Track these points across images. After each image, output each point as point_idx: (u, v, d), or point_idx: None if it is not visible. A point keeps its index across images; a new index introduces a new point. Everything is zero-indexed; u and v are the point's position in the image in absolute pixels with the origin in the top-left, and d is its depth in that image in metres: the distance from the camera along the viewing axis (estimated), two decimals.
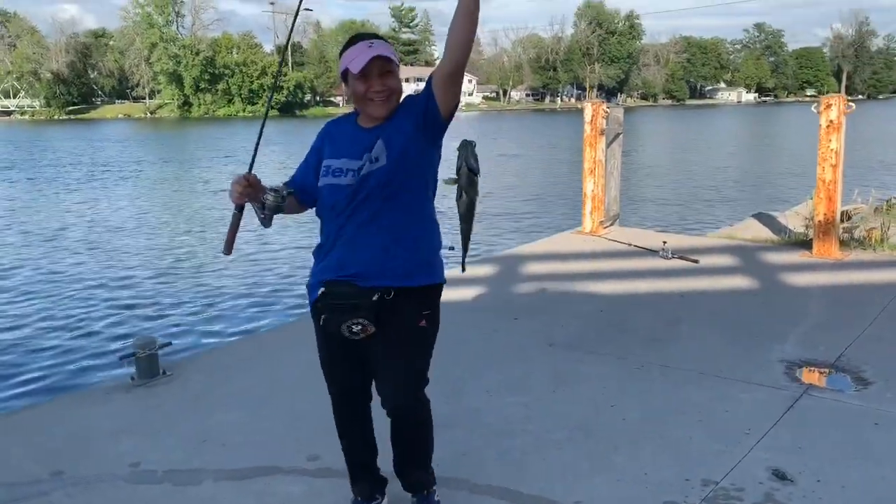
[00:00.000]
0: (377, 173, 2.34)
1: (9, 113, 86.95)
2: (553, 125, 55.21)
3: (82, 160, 29.50)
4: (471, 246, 2.54)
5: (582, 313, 5.28)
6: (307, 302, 2.57)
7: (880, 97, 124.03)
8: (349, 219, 2.38)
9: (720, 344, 4.62)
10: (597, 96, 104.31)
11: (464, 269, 2.63)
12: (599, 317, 5.23)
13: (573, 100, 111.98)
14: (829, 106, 6.54)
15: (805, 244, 7.03)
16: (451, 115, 2.37)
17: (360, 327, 2.33)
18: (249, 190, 2.38)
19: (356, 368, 2.54)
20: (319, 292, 2.40)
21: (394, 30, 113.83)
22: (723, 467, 3.10)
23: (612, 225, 8.15)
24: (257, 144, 2.57)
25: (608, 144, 7.91)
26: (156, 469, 3.22)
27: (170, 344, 4.55)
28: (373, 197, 2.34)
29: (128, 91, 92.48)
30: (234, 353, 4.94)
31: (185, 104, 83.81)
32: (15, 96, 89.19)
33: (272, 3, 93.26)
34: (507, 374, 4.18)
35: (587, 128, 7.77)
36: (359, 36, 2.43)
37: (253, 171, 2.43)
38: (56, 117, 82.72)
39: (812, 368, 4.22)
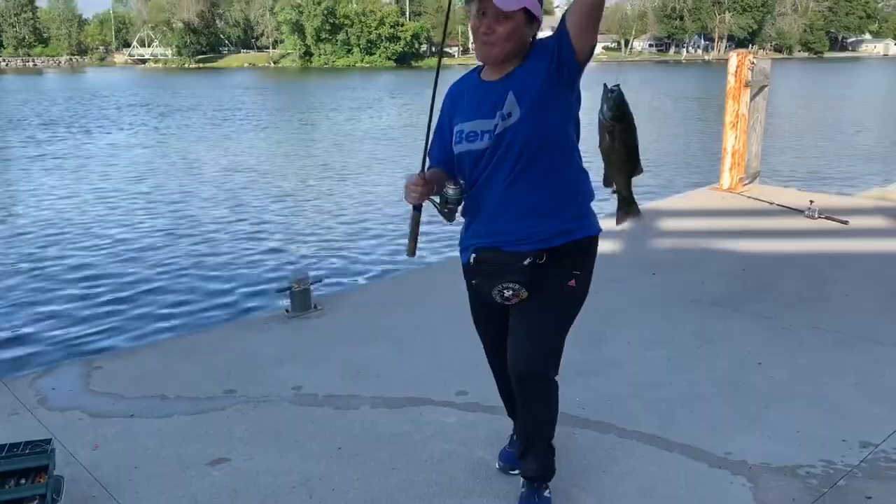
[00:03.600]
0: (513, 130, 2.16)
1: (143, 61, 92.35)
2: (678, 78, 52.78)
3: (225, 107, 30.78)
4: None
5: (723, 271, 5.16)
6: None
7: None
8: (490, 183, 2.25)
9: (876, 308, 4.41)
10: (726, 48, 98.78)
11: (619, 223, 2.39)
12: (742, 275, 5.09)
13: (700, 51, 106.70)
14: None
15: None
16: (587, 59, 2.15)
17: (511, 292, 2.25)
18: (428, 188, 2.29)
19: (504, 329, 2.41)
20: (471, 259, 2.34)
21: None
22: (883, 431, 3.00)
23: (751, 182, 7.82)
24: (426, 143, 2.43)
25: (752, 97, 7.55)
26: (316, 393, 3.46)
27: (320, 280, 4.81)
28: (511, 156, 2.19)
29: (252, 41, 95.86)
30: (379, 292, 5.18)
31: (306, 54, 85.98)
32: (149, 45, 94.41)
33: None
34: (649, 328, 4.16)
35: (731, 79, 7.44)
36: None
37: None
38: (186, 66, 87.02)
39: None
